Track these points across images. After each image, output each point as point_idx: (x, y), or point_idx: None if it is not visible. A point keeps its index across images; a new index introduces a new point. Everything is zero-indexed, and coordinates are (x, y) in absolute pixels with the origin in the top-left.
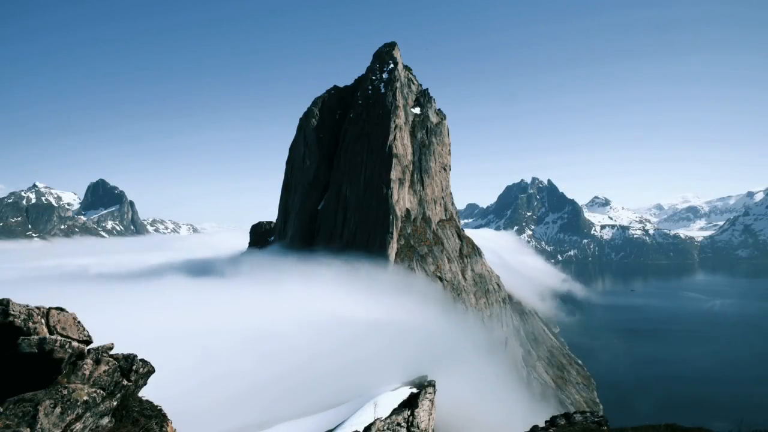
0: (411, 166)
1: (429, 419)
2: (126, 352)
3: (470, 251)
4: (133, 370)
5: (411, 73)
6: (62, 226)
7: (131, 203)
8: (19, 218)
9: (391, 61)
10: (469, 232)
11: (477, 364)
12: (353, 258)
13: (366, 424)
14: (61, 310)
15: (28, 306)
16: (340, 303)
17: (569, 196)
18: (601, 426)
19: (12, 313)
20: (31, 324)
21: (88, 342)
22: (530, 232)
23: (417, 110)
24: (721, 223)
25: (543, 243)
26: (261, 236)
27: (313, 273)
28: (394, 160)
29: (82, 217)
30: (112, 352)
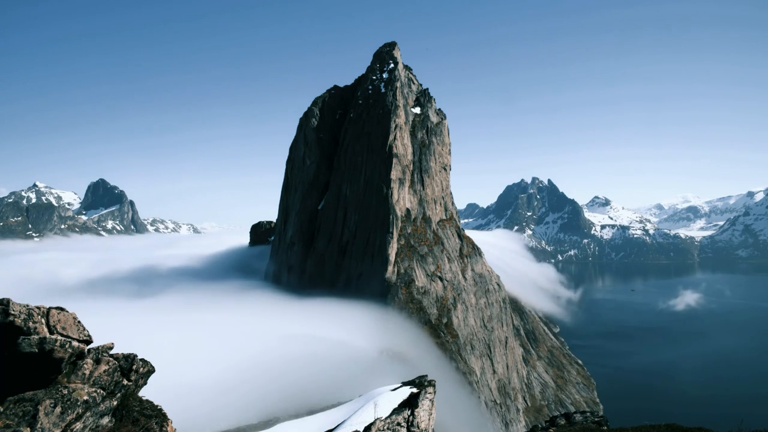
0: (411, 165)
1: (429, 419)
2: (126, 352)
3: (470, 251)
4: (133, 369)
5: (411, 73)
6: (62, 226)
7: (131, 203)
8: (20, 218)
9: (391, 61)
10: (469, 233)
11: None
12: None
13: (366, 424)
14: (61, 309)
15: (28, 306)
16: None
17: (569, 196)
18: (601, 426)
19: (12, 312)
20: (31, 324)
21: (88, 342)
22: (530, 232)
23: (417, 110)
24: (721, 223)
25: (543, 243)
26: (261, 236)
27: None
28: (395, 160)
29: (82, 216)
30: (112, 352)
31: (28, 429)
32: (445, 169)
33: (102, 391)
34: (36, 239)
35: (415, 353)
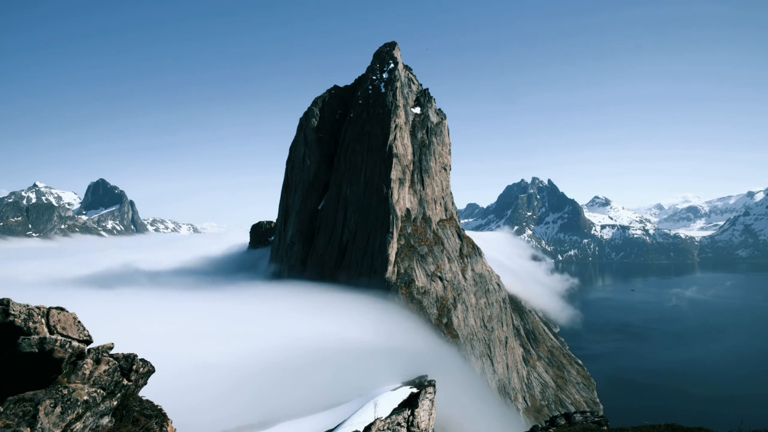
0: (411, 165)
1: (429, 419)
2: (126, 352)
3: (470, 251)
4: (133, 369)
5: (411, 73)
6: (62, 226)
7: (131, 203)
8: (20, 218)
9: (391, 61)
10: (469, 233)
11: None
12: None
13: (366, 424)
14: (61, 309)
15: (28, 306)
16: (335, 321)
17: (569, 196)
18: (601, 426)
19: (12, 312)
20: (31, 324)
21: (89, 342)
22: (530, 232)
23: (417, 110)
24: (721, 223)
25: (543, 243)
26: (261, 236)
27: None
28: (395, 160)
29: (82, 216)
30: (112, 352)
31: (28, 429)
32: (445, 169)
33: (102, 391)
34: (36, 238)
35: (415, 353)
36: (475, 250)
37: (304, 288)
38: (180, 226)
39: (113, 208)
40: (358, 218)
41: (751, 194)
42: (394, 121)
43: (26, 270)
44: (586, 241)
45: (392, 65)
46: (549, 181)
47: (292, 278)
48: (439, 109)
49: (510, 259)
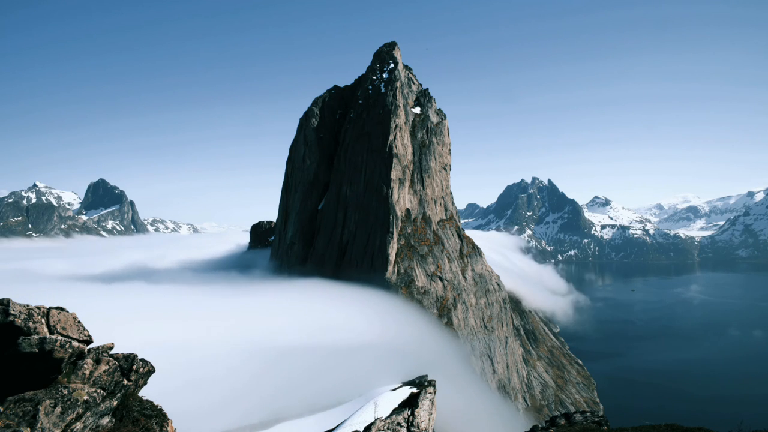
0: (411, 165)
1: (429, 419)
2: (126, 352)
3: (470, 251)
4: (133, 369)
5: (411, 73)
6: (62, 226)
7: (131, 203)
8: (20, 218)
9: (391, 61)
10: (469, 233)
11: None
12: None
13: (366, 424)
14: (62, 309)
15: (28, 306)
16: (334, 315)
17: (569, 196)
18: (601, 426)
19: (12, 312)
20: (31, 324)
21: (89, 342)
22: (530, 232)
23: (417, 110)
24: (721, 223)
25: (543, 243)
26: (261, 236)
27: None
28: (395, 160)
29: (82, 216)
30: (112, 352)
31: (29, 429)
32: (445, 169)
33: (102, 391)
34: (36, 238)
35: (415, 353)
36: (475, 250)
37: (303, 288)
38: (180, 226)
39: (113, 208)
40: (358, 218)
41: (751, 194)
42: (394, 121)
43: (52, 267)
44: (586, 241)
45: (392, 65)
46: (549, 181)
47: (292, 278)
48: (439, 109)
49: (510, 259)
